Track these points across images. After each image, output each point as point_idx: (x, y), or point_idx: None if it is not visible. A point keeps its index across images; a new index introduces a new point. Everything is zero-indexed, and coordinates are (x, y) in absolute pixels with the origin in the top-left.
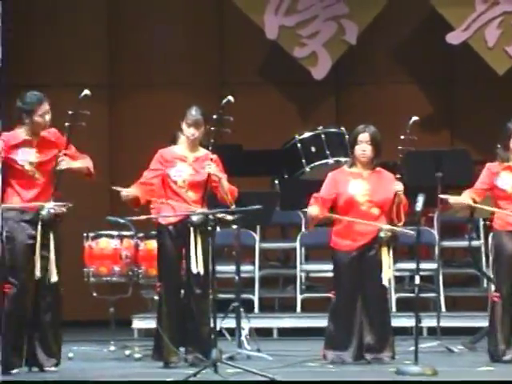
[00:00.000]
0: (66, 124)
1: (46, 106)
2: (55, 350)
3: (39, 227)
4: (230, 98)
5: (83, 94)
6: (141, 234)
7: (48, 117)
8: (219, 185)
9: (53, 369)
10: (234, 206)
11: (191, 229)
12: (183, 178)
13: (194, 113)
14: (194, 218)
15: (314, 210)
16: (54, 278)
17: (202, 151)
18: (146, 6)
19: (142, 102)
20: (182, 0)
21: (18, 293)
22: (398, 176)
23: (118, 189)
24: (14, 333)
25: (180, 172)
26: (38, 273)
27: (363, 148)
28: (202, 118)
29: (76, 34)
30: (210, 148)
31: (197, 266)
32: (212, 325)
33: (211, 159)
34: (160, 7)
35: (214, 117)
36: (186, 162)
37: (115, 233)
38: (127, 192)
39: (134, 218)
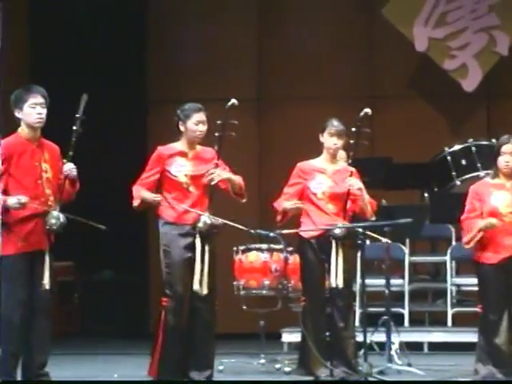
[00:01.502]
0: (216, 134)
1: (202, 116)
2: (208, 363)
3: (197, 239)
4: (367, 110)
5: (230, 103)
6: (290, 248)
7: (203, 127)
8: (359, 198)
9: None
10: (373, 218)
11: (333, 242)
12: (323, 190)
13: (336, 123)
14: (337, 231)
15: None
16: (205, 290)
17: (342, 164)
18: (295, 19)
19: (291, 115)
20: (331, 14)
21: (175, 305)
22: None
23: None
24: (171, 345)
25: (320, 184)
26: (196, 286)
27: (506, 159)
28: (344, 129)
29: (225, 47)
30: (349, 161)
31: (336, 280)
32: (362, 339)
33: (351, 172)
34: (309, 21)
35: (353, 129)
36: (325, 175)
37: (265, 246)
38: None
39: (284, 231)
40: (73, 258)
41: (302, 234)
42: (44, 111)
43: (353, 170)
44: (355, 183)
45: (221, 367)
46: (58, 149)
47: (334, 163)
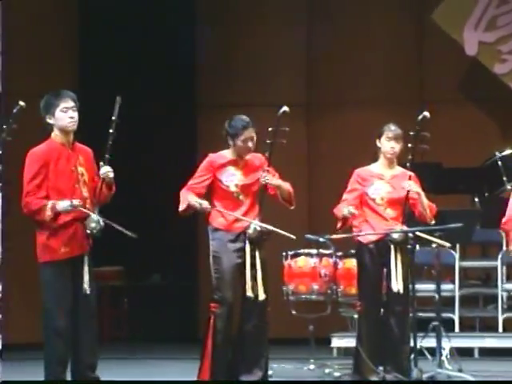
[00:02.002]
0: (267, 141)
1: (250, 133)
2: (261, 366)
3: (247, 245)
4: (426, 113)
5: (282, 110)
6: (339, 253)
7: (251, 143)
8: (418, 201)
9: None
10: (433, 222)
11: (392, 247)
12: (381, 196)
13: (393, 127)
14: (395, 236)
15: None
16: (262, 296)
17: (399, 169)
18: (345, 24)
19: (340, 120)
20: (381, 19)
21: (224, 311)
22: None
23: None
24: (221, 350)
25: (378, 190)
26: (249, 292)
27: None
28: (401, 133)
29: (274, 52)
30: (408, 165)
31: (397, 284)
32: (412, 344)
33: (409, 177)
34: (359, 25)
35: (411, 133)
36: (383, 180)
37: (314, 251)
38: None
39: (333, 236)
40: (123, 263)
41: (360, 239)
42: (75, 114)
43: (411, 174)
44: (412, 186)
45: (270, 372)
46: (91, 151)
47: (391, 168)
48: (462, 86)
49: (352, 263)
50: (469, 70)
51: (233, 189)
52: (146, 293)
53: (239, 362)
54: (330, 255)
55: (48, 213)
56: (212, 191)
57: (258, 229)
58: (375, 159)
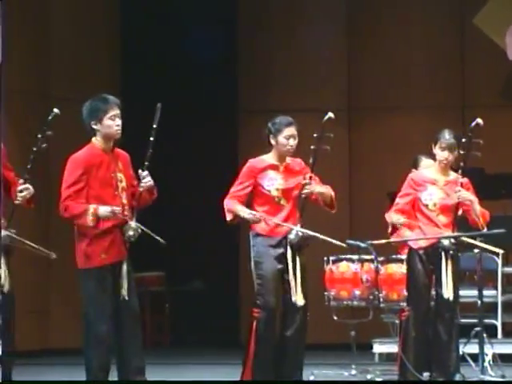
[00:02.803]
0: (312, 147)
1: (293, 131)
2: (300, 372)
3: (289, 251)
4: (479, 120)
5: (327, 116)
6: (381, 258)
7: (293, 141)
8: (471, 208)
9: None
10: (485, 229)
11: (442, 253)
12: (434, 202)
13: (447, 136)
14: (446, 243)
15: None
16: (301, 301)
17: (453, 175)
18: (385, 29)
19: (382, 125)
20: (422, 24)
21: (266, 316)
22: None
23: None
24: (263, 355)
25: (431, 196)
26: (293, 297)
27: None
28: (455, 141)
29: (315, 58)
30: (459, 172)
31: (447, 291)
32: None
33: (461, 183)
34: (399, 30)
35: (464, 140)
36: (436, 186)
37: (355, 257)
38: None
39: (375, 241)
40: (164, 269)
41: (410, 244)
42: (121, 122)
43: (464, 180)
44: (465, 195)
45: (312, 377)
46: (128, 156)
47: (445, 174)
48: (504, 91)
49: (394, 269)
50: (511, 74)
51: (274, 193)
52: (188, 298)
53: (280, 367)
54: (371, 260)
55: (90, 217)
56: (253, 196)
57: (300, 234)
58: (414, 166)
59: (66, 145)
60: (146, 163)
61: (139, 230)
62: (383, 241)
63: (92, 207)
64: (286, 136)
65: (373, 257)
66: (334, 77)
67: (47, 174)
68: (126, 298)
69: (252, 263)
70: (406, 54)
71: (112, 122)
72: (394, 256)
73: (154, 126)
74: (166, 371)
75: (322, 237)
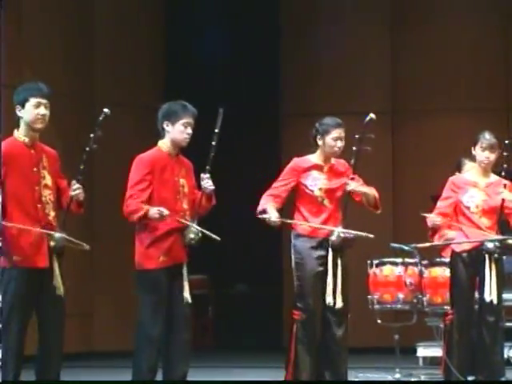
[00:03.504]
0: (354, 148)
1: (341, 132)
2: (342, 376)
3: (330, 253)
4: None
5: (368, 117)
6: (425, 261)
7: (340, 143)
8: None
9: None
10: None
11: (486, 256)
12: (476, 204)
13: (488, 136)
14: (490, 245)
15: None
16: (339, 303)
17: (494, 177)
18: (429, 31)
19: (425, 128)
20: (467, 26)
21: (306, 318)
22: None
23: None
24: (304, 358)
25: (472, 198)
26: (328, 299)
27: None
28: (496, 141)
29: (358, 61)
30: (502, 174)
31: (490, 294)
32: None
33: (504, 185)
34: (444, 33)
35: (507, 142)
36: (477, 188)
37: (399, 260)
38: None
39: (419, 245)
40: (207, 272)
41: (453, 247)
42: (191, 132)
43: (507, 182)
44: (508, 196)
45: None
46: (191, 164)
47: (486, 176)
48: None
49: (437, 272)
50: None
51: (317, 193)
52: (231, 301)
53: (322, 369)
54: (415, 264)
55: (139, 214)
56: (296, 196)
57: (342, 236)
58: (458, 169)
59: (109, 147)
60: (208, 167)
61: (200, 235)
62: (427, 244)
63: (145, 207)
64: (334, 137)
65: (416, 260)
66: (378, 79)
67: (90, 178)
68: (190, 300)
69: (293, 264)
70: (451, 56)
71: (183, 129)
72: (437, 259)
73: (216, 131)
74: (209, 374)
75: (364, 234)
